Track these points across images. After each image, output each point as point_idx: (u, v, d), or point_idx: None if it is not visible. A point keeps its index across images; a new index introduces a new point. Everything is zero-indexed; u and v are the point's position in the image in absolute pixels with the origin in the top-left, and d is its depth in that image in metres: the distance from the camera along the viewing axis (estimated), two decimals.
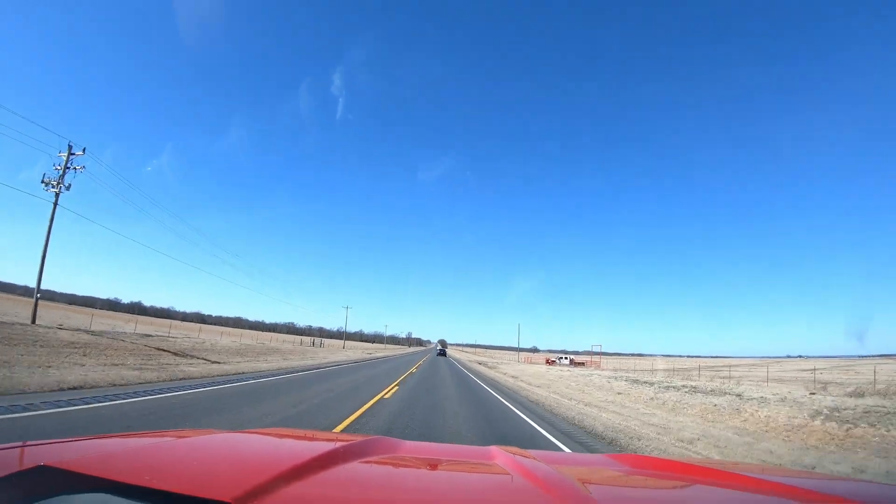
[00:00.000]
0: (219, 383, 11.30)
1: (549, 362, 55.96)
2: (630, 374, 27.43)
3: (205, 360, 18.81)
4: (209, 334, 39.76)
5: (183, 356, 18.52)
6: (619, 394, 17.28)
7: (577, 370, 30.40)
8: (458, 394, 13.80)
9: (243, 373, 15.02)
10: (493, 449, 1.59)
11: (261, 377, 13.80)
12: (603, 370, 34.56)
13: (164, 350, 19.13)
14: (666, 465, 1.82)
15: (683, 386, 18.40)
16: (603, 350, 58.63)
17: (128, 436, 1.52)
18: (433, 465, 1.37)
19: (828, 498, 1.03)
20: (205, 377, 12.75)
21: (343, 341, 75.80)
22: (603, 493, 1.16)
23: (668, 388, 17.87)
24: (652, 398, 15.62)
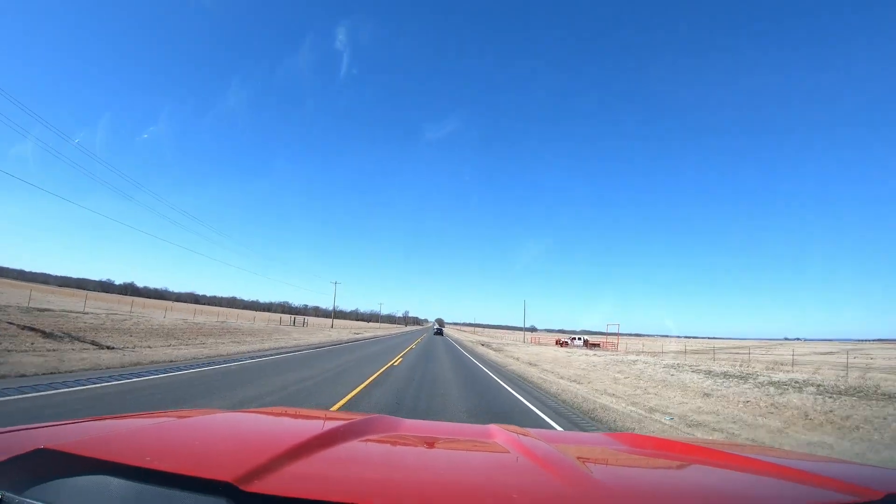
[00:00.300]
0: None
1: (560, 343, 50.69)
2: (679, 361, 21.96)
3: (93, 343, 13.08)
4: (156, 311, 33.96)
5: (54, 339, 12.74)
6: (706, 395, 11.69)
7: (610, 356, 24.90)
8: (473, 405, 8.08)
9: (120, 367, 9.38)
10: (493, 427, 1.60)
11: (118, 378, 8.02)
12: (632, 354, 29.24)
13: (35, 329, 13.36)
14: (665, 444, 1.81)
15: (794, 382, 12.86)
16: (605, 331, 53.37)
17: (128, 417, 1.43)
18: (433, 443, 1.39)
19: (829, 481, 1.02)
20: (23, 375, 7.18)
21: (331, 320, 70.49)
22: (602, 471, 1.17)
23: (777, 385, 12.31)
24: (773, 405, 10.04)
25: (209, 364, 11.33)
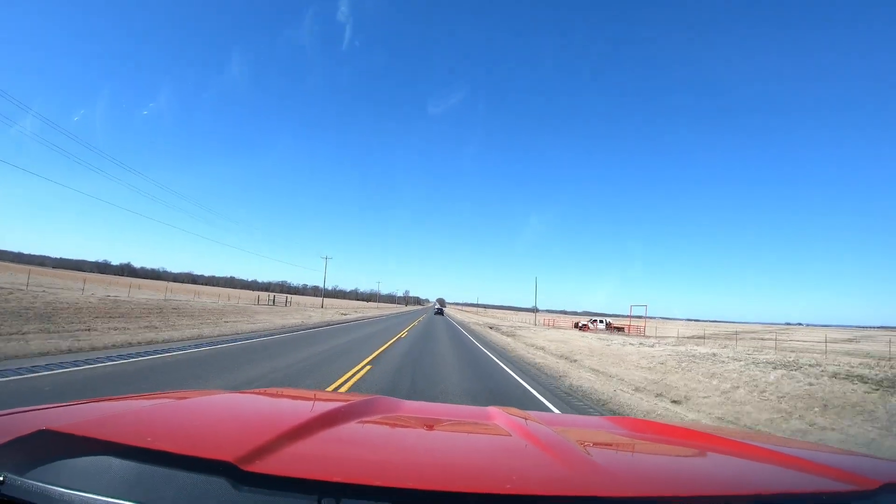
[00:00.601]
0: None
1: (580, 327, 45.42)
2: (772, 357, 16.56)
3: None
4: (77, 283, 28.55)
5: None
6: None
7: (669, 346, 19.52)
8: None
9: None
10: (493, 409, 1.62)
11: None
12: (690, 343, 23.92)
13: None
14: (665, 429, 1.85)
15: None
16: (604, 312, 47.85)
17: (128, 398, 1.42)
18: (433, 425, 1.40)
19: (827, 469, 1.03)
20: None
21: (322, 299, 65.36)
22: (603, 455, 1.18)
23: None
24: None
25: None
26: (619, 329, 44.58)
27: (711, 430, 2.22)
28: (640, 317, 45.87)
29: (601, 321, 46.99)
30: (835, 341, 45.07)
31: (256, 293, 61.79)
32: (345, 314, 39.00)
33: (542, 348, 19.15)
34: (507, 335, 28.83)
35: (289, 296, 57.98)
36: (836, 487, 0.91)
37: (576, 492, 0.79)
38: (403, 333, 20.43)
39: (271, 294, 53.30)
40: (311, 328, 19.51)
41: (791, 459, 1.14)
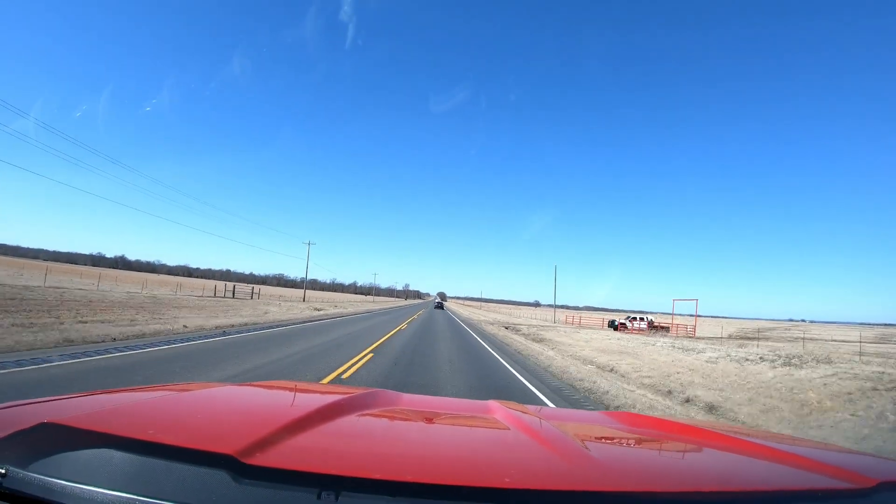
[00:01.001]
0: None
1: (617, 326, 38.32)
2: None
3: None
4: None
5: None
6: None
7: (823, 368, 12.32)
8: None
9: None
10: (492, 403, 1.64)
11: None
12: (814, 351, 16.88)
13: None
14: (662, 424, 1.86)
15: None
16: (604, 307, 40.70)
17: (129, 390, 1.48)
18: (433, 419, 1.42)
19: (824, 467, 1.04)
20: None
21: (304, 291, 58.37)
22: (600, 449, 1.20)
23: None
24: None
25: None
26: (665, 328, 37.60)
27: (709, 425, 2.18)
28: (689, 314, 38.81)
29: (641, 318, 39.88)
30: (868, 340, 38.78)
31: (215, 283, 54.77)
32: (318, 309, 32.11)
33: (612, 369, 12.14)
34: (534, 340, 21.87)
35: (256, 286, 50.83)
36: (832, 485, 0.93)
37: (574, 486, 0.81)
38: (369, 353, 13.42)
39: (231, 284, 46.28)
40: (227, 336, 12.45)
41: (789, 456, 1.15)
